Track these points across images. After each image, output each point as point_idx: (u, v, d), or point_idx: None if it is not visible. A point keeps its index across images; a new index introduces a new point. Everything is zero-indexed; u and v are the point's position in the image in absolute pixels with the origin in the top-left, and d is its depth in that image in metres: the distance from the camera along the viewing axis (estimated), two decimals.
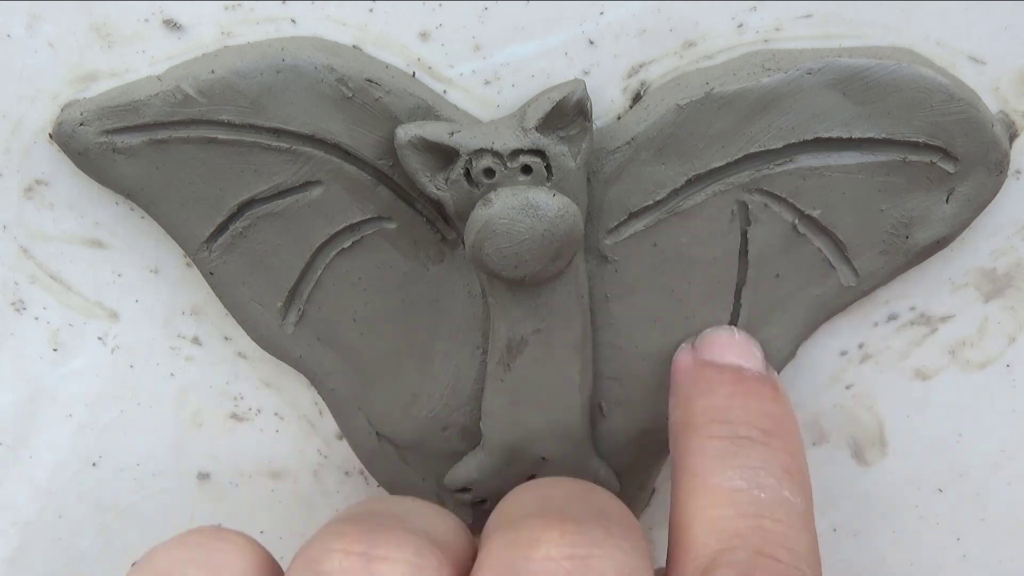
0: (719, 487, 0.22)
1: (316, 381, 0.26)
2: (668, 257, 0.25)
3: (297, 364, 0.26)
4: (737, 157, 0.24)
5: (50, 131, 0.24)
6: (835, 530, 0.29)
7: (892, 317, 0.27)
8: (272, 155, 0.24)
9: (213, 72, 0.23)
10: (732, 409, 0.23)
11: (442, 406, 0.26)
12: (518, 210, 0.23)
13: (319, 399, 0.27)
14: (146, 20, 0.24)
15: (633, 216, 0.25)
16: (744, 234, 0.25)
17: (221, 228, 0.24)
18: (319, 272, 0.25)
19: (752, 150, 0.24)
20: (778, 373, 0.26)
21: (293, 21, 0.24)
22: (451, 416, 0.27)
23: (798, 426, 0.24)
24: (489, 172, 0.23)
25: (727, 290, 0.25)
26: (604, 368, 0.26)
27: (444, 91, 0.24)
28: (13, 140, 0.24)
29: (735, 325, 0.26)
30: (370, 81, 0.23)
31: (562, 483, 0.24)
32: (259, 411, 0.28)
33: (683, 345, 0.26)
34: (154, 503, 0.29)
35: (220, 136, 0.23)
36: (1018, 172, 0.25)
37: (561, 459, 0.26)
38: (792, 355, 0.26)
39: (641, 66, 0.24)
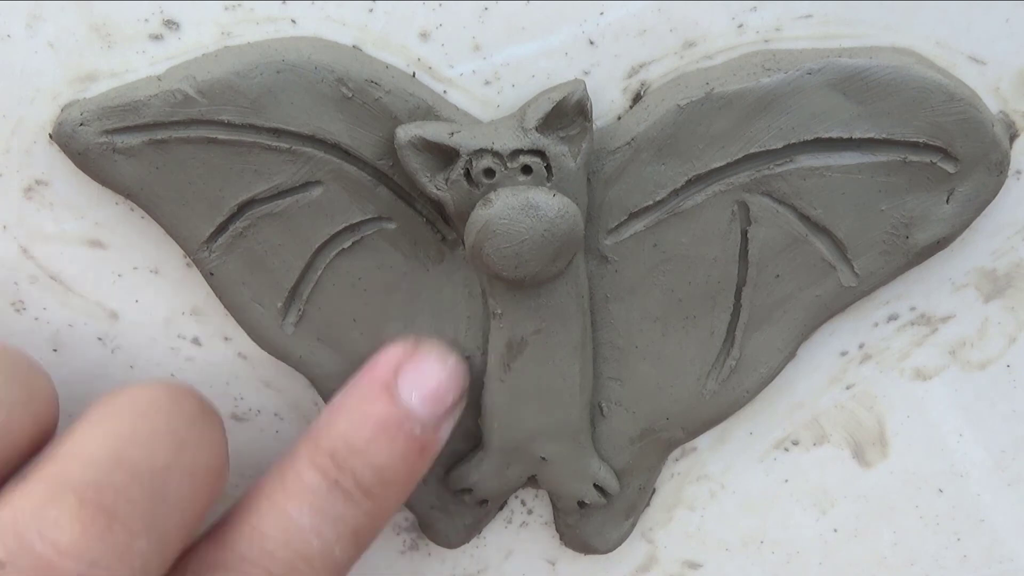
0: (286, 512, 0.23)
1: (316, 381, 0.26)
2: (668, 257, 0.25)
3: (297, 365, 0.26)
4: (737, 157, 0.24)
5: (50, 131, 0.24)
6: (835, 530, 0.29)
7: (892, 317, 0.27)
8: (272, 155, 0.24)
9: (213, 72, 0.23)
10: (356, 454, 0.23)
11: None
12: (518, 210, 0.23)
13: (319, 399, 0.27)
14: (146, 20, 0.24)
15: (633, 216, 0.25)
16: (744, 234, 0.25)
17: (221, 228, 0.24)
18: (319, 272, 0.25)
19: (752, 150, 0.24)
20: (778, 373, 0.26)
21: (293, 21, 0.24)
22: None
23: (412, 486, 0.24)
24: (489, 172, 0.23)
25: (727, 290, 0.25)
26: (604, 368, 0.26)
27: (444, 91, 0.24)
28: (13, 140, 0.24)
29: (737, 325, 0.26)
30: (370, 81, 0.23)
31: (146, 420, 0.22)
32: (259, 411, 0.28)
33: (402, 345, 0.25)
34: None
35: (220, 136, 0.23)
36: (1018, 172, 0.25)
37: (561, 459, 0.26)
38: (792, 355, 0.26)
39: (641, 66, 0.24)
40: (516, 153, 0.23)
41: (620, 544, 0.29)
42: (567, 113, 0.23)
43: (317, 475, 0.23)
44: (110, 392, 0.23)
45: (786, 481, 0.29)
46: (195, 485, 0.22)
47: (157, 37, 0.24)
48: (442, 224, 0.25)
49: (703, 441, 0.28)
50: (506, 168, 0.23)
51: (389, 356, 0.25)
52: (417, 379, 0.24)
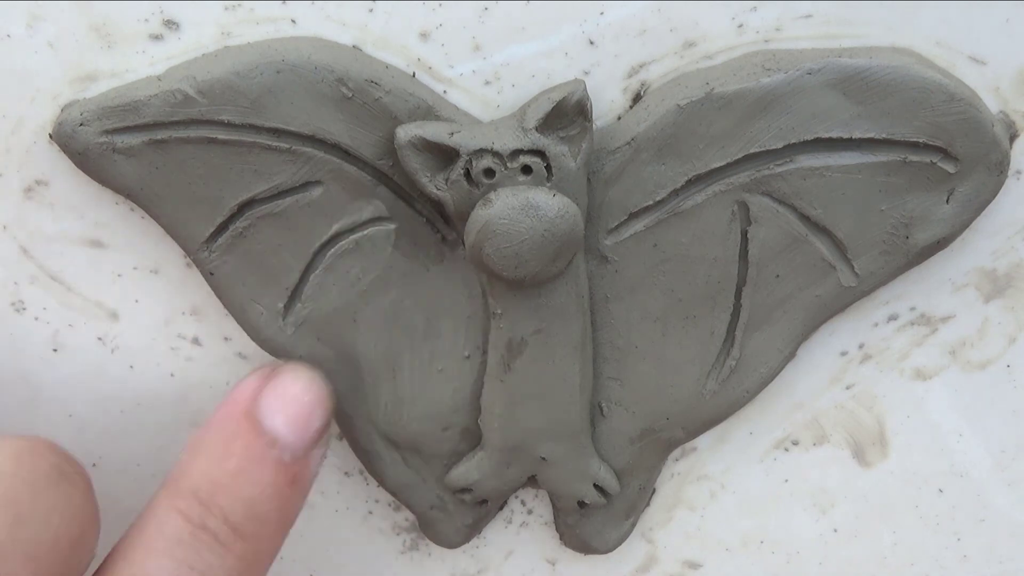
0: (146, 567, 0.20)
1: None
2: (668, 257, 0.25)
3: None
4: (737, 157, 0.24)
5: (50, 131, 0.24)
6: (835, 530, 0.29)
7: (892, 317, 0.27)
8: (272, 155, 0.24)
9: (213, 72, 0.23)
10: (222, 489, 0.21)
11: (442, 406, 0.26)
12: (518, 210, 0.23)
13: None
14: (146, 20, 0.24)
15: (633, 216, 0.25)
16: (744, 234, 0.25)
17: (221, 228, 0.24)
18: (319, 272, 0.25)
19: (752, 150, 0.24)
20: (778, 373, 0.26)
21: (293, 21, 0.24)
22: (451, 416, 0.27)
23: (287, 525, 0.22)
24: (489, 172, 0.23)
25: (727, 290, 0.25)
26: (604, 368, 0.26)
27: (444, 91, 0.24)
28: (13, 140, 0.24)
29: (737, 325, 0.26)
30: (370, 81, 0.23)
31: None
32: None
33: (258, 371, 0.23)
34: None
35: (220, 136, 0.23)
36: (1018, 172, 0.25)
37: (561, 459, 0.26)
38: (792, 355, 0.26)
39: (641, 66, 0.24)
40: (516, 153, 0.23)
41: (620, 544, 0.29)
42: (567, 113, 0.23)
43: (179, 520, 0.21)
44: None
45: (786, 481, 0.29)
46: (39, 564, 0.19)
47: (157, 37, 0.24)
48: (442, 224, 0.25)
49: (703, 441, 0.28)
50: (506, 168, 0.23)
51: (246, 384, 0.22)
52: (279, 403, 0.22)
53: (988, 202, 0.25)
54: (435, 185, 0.23)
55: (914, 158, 0.24)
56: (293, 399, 0.22)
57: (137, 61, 0.24)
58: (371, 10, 0.24)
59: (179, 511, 0.21)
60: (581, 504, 0.27)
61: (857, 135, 0.24)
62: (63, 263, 0.26)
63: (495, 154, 0.23)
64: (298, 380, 0.23)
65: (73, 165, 0.24)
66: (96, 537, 0.21)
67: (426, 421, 0.27)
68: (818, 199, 0.24)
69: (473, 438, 0.27)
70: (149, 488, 0.28)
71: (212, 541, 0.21)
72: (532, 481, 0.27)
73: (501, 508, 0.29)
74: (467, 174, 0.23)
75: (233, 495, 0.21)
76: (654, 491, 0.29)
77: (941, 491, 0.29)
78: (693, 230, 0.25)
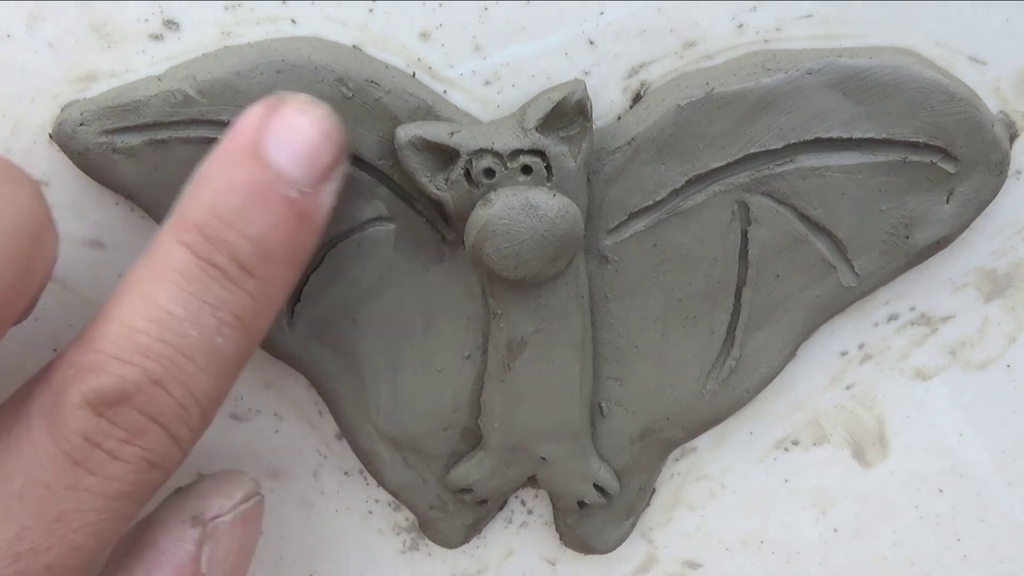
0: (157, 302, 0.20)
1: (316, 381, 0.26)
2: (668, 257, 0.25)
3: (297, 364, 0.26)
4: (737, 157, 0.24)
5: (50, 131, 0.24)
6: (835, 530, 0.29)
7: (892, 317, 0.27)
8: None
9: (213, 72, 0.23)
10: (231, 227, 0.21)
11: (442, 406, 0.26)
12: (518, 210, 0.23)
13: (319, 399, 0.27)
14: (146, 20, 0.24)
15: (633, 216, 0.25)
16: (744, 234, 0.25)
17: None
18: (319, 272, 0.25)
19: (752, 150, 0.24)
20: (778, 373, 0.26)
21: (293, 21, 0.24)
22: (451, 416, 0.27)
23: (297, 262, 0.22)
24: (489, 172, 0.23)
25: (727, 290, 0.25)
26: (604, 368, 0.26)
27: (444, 91, 0.24)
28: (13, 140, 0.24)
29: (737, 325, 0.26)
30: (370, 81, 0.23)
31: None
32: (259, 411, 0.28)
33: (263, 103, 0.22)
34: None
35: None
36: (1018, 172, 0.25)
37: (561, 459, 0.26)
38: (792, 355, 0.26)
39: (641, 66, 0.24)
40: (516, 153, 0.23)
41: (620, 544, 0.29)
42: (567, 113, 0.23)
43: (186, 254, 0.20)
44: None
45: (786, 481, 0.29)
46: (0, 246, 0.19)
47: (157, 37, 0.24)
48: (442, 224, 0.25)
49: (703, 441, 0.28)
50: (506, 168, 0.23)
51: (250, 117, 0.21)
52: (285, 137, 0.21)
53: (988, 202, 0.25)
54: (435, 185, 0.23)
55: (914, 158, 0.24)
56: (299, 133, 0.21)
57: (137, 61, 0.24)
58: (371, 10, 0.24)
59: (186, 244, 0.21)
60: (581, 504, 0.27)
61: (857, 135, 0.24)
62: (63, 263, 0.26)
63: (495, 154, 0.23)
64: (304, 112, 0.21)
65: (73, 165, 0.24)
66: (55, 242, 0.21)
67: (426, 421, 0.27)
68: (818, 199, 0.24)
69: (473, 438, 0.27)
70: None
71: (221, 277, 0.21)
72: (532, 481, 0.27)
73: (501, 508, 0.29)
74: (467, 174, 0.23)
75: (239, 232, 0.21)
76: (654, 491, 0.29)
77: (941, 491, 0.29)
78: (693, 230, 0.25)
